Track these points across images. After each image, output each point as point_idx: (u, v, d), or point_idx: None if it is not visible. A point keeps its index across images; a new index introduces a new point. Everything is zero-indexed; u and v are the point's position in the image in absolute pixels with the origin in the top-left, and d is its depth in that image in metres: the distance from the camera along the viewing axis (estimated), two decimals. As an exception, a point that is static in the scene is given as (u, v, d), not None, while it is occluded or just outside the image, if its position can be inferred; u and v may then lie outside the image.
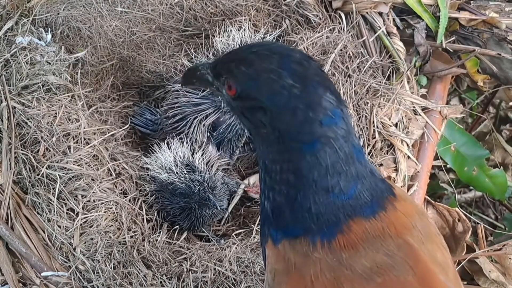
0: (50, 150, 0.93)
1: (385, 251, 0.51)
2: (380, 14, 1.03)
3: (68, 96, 0.99)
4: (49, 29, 1.08)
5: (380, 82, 0.98)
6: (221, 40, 1.04)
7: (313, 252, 0.51)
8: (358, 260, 0.50)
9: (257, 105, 0.53)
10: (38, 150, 0.93)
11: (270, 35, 1.01)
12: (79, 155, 0.93)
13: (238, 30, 1.02)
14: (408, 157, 0.95)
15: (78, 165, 0.92)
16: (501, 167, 1.18)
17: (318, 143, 0.51)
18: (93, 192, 0.91)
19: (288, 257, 0.53)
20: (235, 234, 1.00)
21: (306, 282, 0.50)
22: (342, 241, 0.52)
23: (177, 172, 0.98)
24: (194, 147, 1.04)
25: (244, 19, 1.08)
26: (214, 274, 0.88)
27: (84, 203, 0.90)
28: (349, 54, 1.01)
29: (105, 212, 0.91)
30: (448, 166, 1.12)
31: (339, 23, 1.04)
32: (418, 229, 0.54)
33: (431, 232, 0.56)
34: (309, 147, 0.51)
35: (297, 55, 0.54)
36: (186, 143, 1.03)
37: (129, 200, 0.96)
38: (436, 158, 1.04)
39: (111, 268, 0.86)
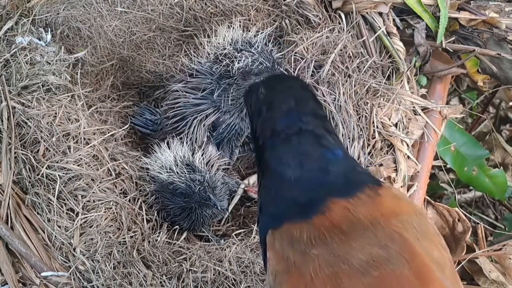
0: (50, 150, 0.93)
1: (380, 246, 0.52)
2: (380, 14, 1.03)
3: (68, 96, 0.99)
4: (49, 29, 1.08)
5: (380, 82, 0.98)
6: (209, 41, 1.04)
7: (311, 249, 0.53)
8: (354, 254, 0.52)
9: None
10: (38, 150, 0.93)
11: (261, 33, 1.01)
12: (79, 155, 0.93)
13: (228, 28, 1.02)
14: (408, 157, 0.95)
15: (78, 165, 0.92)
16: (501, 167, 1.18)
17: (277, 138, 0.60)
18: (93, 192, 0.92)
19: (287, 256, 0.55)
20: (235, 234, 1.00)
21: (306, 280, 0.52)
22: (326, 222, 0.54)
23: (177, 172, 0.98)
24: (194, 147, 1.04)
25: (236, 19, 1.08)
26: (214, 274, 0.88)
27: (84, 203, 0.90)
28: (349, 54, 1.01)
29: (105, 212, 0.91)
30: (448, 166, 1.12)
31: (339, 23, 1.04)
32: (413, 226, 0.55)
33: (428, 231, 0.57)
34: (271, 141, 0.61)
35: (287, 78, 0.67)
36: (186, 143, 1.03)
37: (129, 200, 0.96)
38: (436, 158, 1.04)
39: (111, 268, 0.87)
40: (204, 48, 1.05)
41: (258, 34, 1.01)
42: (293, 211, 0.57)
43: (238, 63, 0.97)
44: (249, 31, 1.03)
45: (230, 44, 1.00)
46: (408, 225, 0.55)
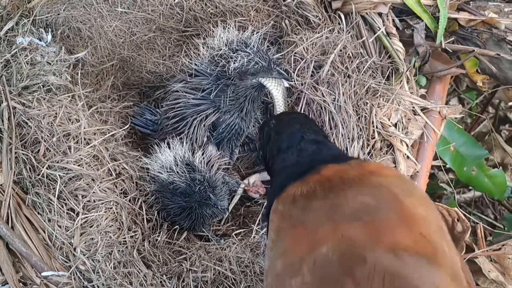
0: (50, 150, 0.93)
1: (370, 195, 0.59)
2: (380, 14, 1.03)
3: (69, 96, 0.99)
4: (50, 29, 1.08)
5: (379, 82, 0.98)
6: (205, 42, 1.04)
7: (309, 202, 0.61)
8: (347, 204, 0.59)
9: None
10: (39, 150, 0.93)
11: (257, 33, 1.02)
12: (80, 155, 0.94)
13: (224, 29, 1.02)
14: (408, 157, 0.95)
15: (79, 165, 0.93)
16: (500, 167, 1.18)
17: (281, 152, 0.75)
18: (93, 192, 0.92)
19: (289, 214, 0.63)
20: (235, 234, 1.01)
21: (308, 230, 0.58)
22: (320, 178, 0.63)
23: (177, 172, 0.98)
24: (194, 147, 1.04)
25: (231, 20, 1.08)
26: (214, 274, 0.89)
27: (85, 203, 0.91)
28: (349, 54, 1.01)
29: (105, 212, 0.91)
30: (447, 166, 1.12)
31: (339, 24, 1.04)
32: (399, 184, 0.62)
33: (414, 190, 0.63)
34: (277, 157, 0.76)
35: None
36: (186, 143, 1.03)
37: (129, 200, 0.97)
38: (435, 158, 1.04)
39: (111, 268, 0.87)
40: (199, 50, 1.06)
41: (253, 34, 1.01)
42: (292, 179, 0.66)
43: (234, 63, 0.98)
44: (253, 31, 1.03)
45: (226, 45, 1.00)
46: (394, 183, 0.62)
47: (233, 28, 1.02)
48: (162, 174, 0.99)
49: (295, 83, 1.00)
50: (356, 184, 0.61)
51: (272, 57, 1.04)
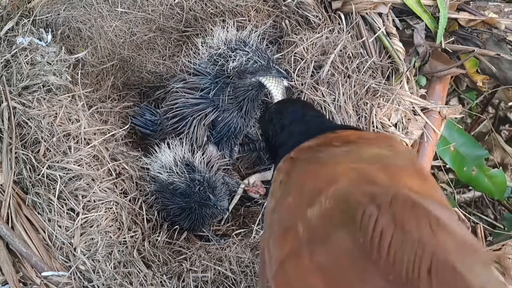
0: (50, 150, 0.93)
1: (388, 150, 0.63)
2: (380, 14, 1.03)
3: (69, 96, 0.99)
4: (50, 29, 1.08)
5: (379, 82, 0.98)
6: (204, 42, 1.04)
7: (326, 148, 0.63)
8: (363, 152, 0.62)
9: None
10: (39, 150, 0.93)
11: (255, 32, 1.02)
12: (80, 155, 0.94)
13: (222, 28, 1.02)
14: (408, 157, 0.95)
15: (79, 165, 0.93)
16: (500, 167, 1.18)
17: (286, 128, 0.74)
18: (94, 192, 0.92)
19: (301, 157, 0.65)
20: (235, 234, 1.01)
21: (324, 164, 0.60)
22: (333, 135, 0.66)
23: (177, 172, 0.98)
24: (194, 147, 1.04)
25: (230, 19, 1.08)
26: (214, 274, 0.89)
27: (85, 203, 0.91)
28: (349, 54, 1.01)
29: (105, 212, 0.91)
30: (447, 166, 1.12)
31: (339, 24, 1.04)
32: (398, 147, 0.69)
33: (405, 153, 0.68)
34: (281, 134, 0.74)
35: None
36: (186, 143, 1.03)
37: (129, 200, 0.97)
38: (435, 158, 1.04)
39: (111, 268, 0.87)
40: (198, 49, 1.06)
41: (252, 33, 1.01)
42: (305, 139, 0.67)
43: (233, 62, 0.98)
44: (251, 30, 1.03)
45: (225, 44, 1.00)
46: (409, 153, 0.71)
47: (232, 27, 1.02)
48: (162, 174, 0.99)
49: (295, 83, 1.00)
50: (374, 141, 0.65)
51: (271, 56, 1.04)
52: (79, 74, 1.05)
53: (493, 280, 0.48)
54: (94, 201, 0.92)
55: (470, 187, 1.42)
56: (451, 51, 1.03)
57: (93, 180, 0.93)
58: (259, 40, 1.02)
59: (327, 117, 0.97)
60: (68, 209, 0.90)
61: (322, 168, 0.60)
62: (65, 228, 0.89)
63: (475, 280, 0.44)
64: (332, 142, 0.64)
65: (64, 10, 1.10)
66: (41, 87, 0.98)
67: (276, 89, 1.02)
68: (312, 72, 1.01)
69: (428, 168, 0.99)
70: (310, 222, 0.54)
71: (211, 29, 1.06)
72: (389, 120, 0.96)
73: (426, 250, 0.46)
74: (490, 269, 0.50)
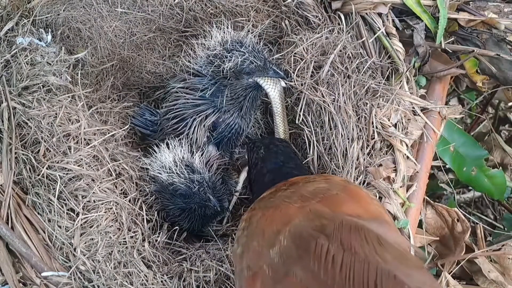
0: (50, 151, 0.93)
1: (323, 183, 0.74)
2: (380, 15, 1.03)
3: (68, 96, 0.99)
4: (50, 30, 1.08)
5: (379, 82, 0.98)
6: (199, 43, 1.05)
7: (274, 195, 0.74)
8: (304, 189, 0.72)
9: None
10: (39, 150, 0.93)
11: (251, 32, 1.02)
12: (79, 155, 0.94)
13: (218, 29, 1.02)
14: (407, 157, 0.95)
15: (79, 166, 0.93)
16: (500, 168, 1.18)
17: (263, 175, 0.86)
18: (93, 192, 0.92)
19: (258, 206, 0.75)
20: (235, 234, 1.01)
21: (277, 208, 0.69)
22: (286, 183, 0.77)
23: (177, 173, 0.98)
24: (193, 148, 1.04)
25: (231, 20, 1.08)
26: (216, 274, 0.89)
27: (85, 204, 0.91)
28: (349, 54, 1.01)
29: (105, 212, 0.91)
30: (447, 166, 1.12)
31: (339, 24, 1.04)
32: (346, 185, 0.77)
33: (358, 191, 0.75)
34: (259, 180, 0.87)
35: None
36: (186, 143, 1.03)
37: (129, 201, 0.97)
38: (435, 158, 1.04)
39: (111, 268, 0.87)
40: (195, 50, 1.06)
41: (249, 33, 1.01)
42: (266, 190, 0.78)
43: (229, 63, 0.98)
44: (248, 31, 1.04)
45: (221, 45, 1.00)
46: (344, 181, 0.79)
47: (228, 27, 1.02)
48: (161, 175, 0.99)
49: (295, 84, 1.00)
50: (313, 180, 0.76)
51: (268, 56, 1.04)
52: (79, 74, 1.05)
53: (428, 280, 0.55)
54: (94, 201, 0.92)
55: (470, 187, 1.42)
56: (451, 51, 1.03)
57: (93, 180, 0.93)
58: (256, 41, 1.02)
59: (327, 117, 0.97)
60: (68, 210, 0.90)
61: (276, 211, 0.69)
62: (65, 228, 0.89)
63: (413, 283, 0.52)
64: (281, 188, 0.76)
65: (64, 11, 1.10)
66: (41, 87, 0.98)
67: (273, 91, 1.02)
68: (312, 72, 1.01)
69: (427, 169, 0.99)
70: (273, 261, 0.61)
71: (208, 31, 1.06)
72: (388, 120, 0.96)
73: (371, 266, 0.53)
74: (424, 271, 0.58)
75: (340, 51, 1.01)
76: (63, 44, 1.10)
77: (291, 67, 1.02)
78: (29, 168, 0.92)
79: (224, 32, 1.01)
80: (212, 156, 1.06)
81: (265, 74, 1.00)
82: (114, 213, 0.92)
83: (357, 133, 0.95)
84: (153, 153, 1.03)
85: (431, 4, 1.02)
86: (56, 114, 0.96)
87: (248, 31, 1.03)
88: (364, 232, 0.58)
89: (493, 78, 1.07)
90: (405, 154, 0.94)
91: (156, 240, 0.96)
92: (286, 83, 1.03)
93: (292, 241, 0.61)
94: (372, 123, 0.95)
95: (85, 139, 0.96)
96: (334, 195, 0.69)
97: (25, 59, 0.99)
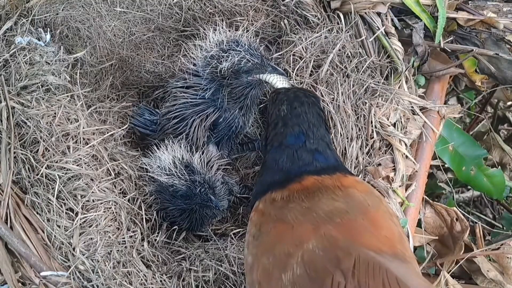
0: (49, 150, 0.93)
1: (342, 202, 0.67)
2: (379, 14, 1.03)
3: (67, 96, 0.99)
4: (48, 29, 1.08)
5: (378, 82, 0.98)
6: (195, 44, 1.05)
7: (287, 204, 0.68)
8: (321, 206, 0.66)
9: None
10: (38, 150, 0.93)
11: (247, 31, 1.02)
12: (78, 155, 0.93)
13: (214, 30, 1.02)
14: (406, 156, 0.95)
15: (77, 165, 0.93)
16: (499, 167, 1.18)
17: (281, 148, 0.76)
18: (92, 192, 0.92)
19: (269, 212, 0.69)
20: (234, 234, 1.01)
21: (289, 228, 0.65)
22: (299, 187, 0.70)
23: (177, 174, 0.98)
24: (194, 148, 1.04)
25: (225, 18, 1.08)
26: (215, 274, 0.89)
27: (84, 203, 0.91)
28: (348, 54, 1.01)
29: (104, 212, 0.91)
30: (446, 165, 1.12)
31: (338, 23, 1.04)
32: (366, 198, 0.69)
33: (380, 205, 0.70)
34: (275, 149, 0.76)
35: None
36: (186, 143, 1.03)
37: (128, 200, 0.97)
38: (434, 157, 1.04)
39: (110, 267, 0.87)
40: (193, 51, 1.06)
41: (244, 32, 1.01)
42: (276, 186, 0.72)
43: (225, 62, 0.98)
44: (244, 29, 1.03)
45: (217, 45, 1.00)
46: (364, 197, 0.69)
47: (223, 27, 1.02)
48: (161, 176, 0.99)
49: (294, 83, 1.00)
50: (330, 191, 0.69)
51: (265, 53, 1.04)
52: (78, 74, 1.05)
53: None
54: (93, 201, 0.92)
55: (469, 187, 1.42)
56: (450, 50, 1.03)
57: (92, 180, 0.93)
58: (253, 39, 1.02)
59: (327, 117, 0.97)
60: (67, 209, 0.90)
61: (288, 229, 0.65)
62: (64, 228, 0.89)
63: None
64: (294, 195, 0.69)
65: (62, 10, 1.10)
66: (40, 86, 0.98)
67: (281, 82, 1.00)
68: (311, 71, 1.01)
69: (427, 168, 0.99)
70: None
71: (204, 32, 1.06)
72: (387, 119, 0.96)
73: None
74: None
75: (339, 50, 1.01)
76: (62, 43, 1.10)
77: (290, 67, 1.02)
78: (28, 168, 0.92)
79: (219, 33, 1.01)
80: (212, 156, 1.06)
81: (263, 71, 1.00)
82: (113, 212, 0.92)
83: (356, 133, 0.95)
84: (153, 153, 1.03)
85: (430, 3, 1.02)
86: (55, 113, 0.96)
87: (244, 29, 1.02)
88: (383, 273, 0.56)
89: (492, 78, 1.07)
90: (404, 154, 0.94)
91: (155, 240, 0.96)
92: (292, 84, 1.02)
93: (306, 272, 0.59)
94: (371, 122, 0.95)
95: (84, 139, 0.96)
96: (352, 221, 0.64)
97: (23, 58, 0.99)
